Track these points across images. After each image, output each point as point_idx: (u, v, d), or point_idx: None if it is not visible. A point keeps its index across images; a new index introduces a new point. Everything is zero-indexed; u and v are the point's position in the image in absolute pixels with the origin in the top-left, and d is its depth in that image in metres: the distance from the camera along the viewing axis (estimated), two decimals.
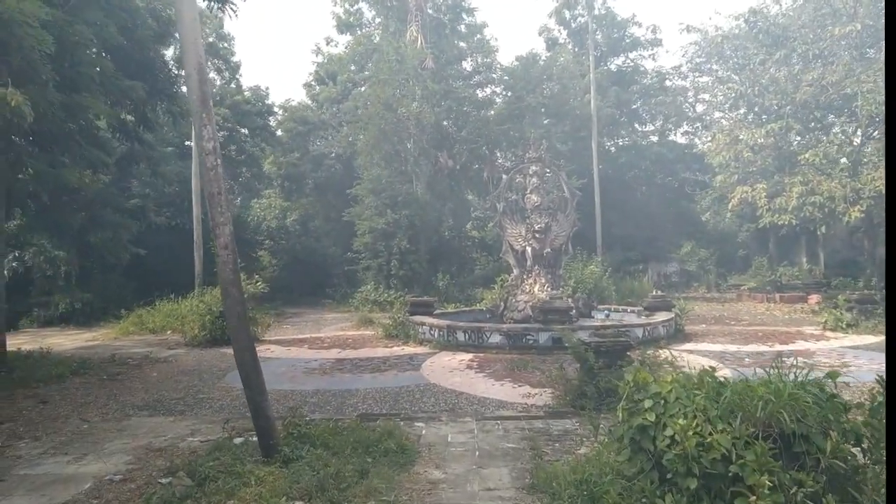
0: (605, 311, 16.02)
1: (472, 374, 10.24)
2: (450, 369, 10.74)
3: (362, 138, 24.26)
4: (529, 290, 14.50)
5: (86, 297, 18.30)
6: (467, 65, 31.24)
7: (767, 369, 4.44)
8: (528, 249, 14.45)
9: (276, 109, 35.03)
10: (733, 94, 18.55)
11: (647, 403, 4.07)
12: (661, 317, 13.29)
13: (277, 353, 13.27)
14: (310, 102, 37.73)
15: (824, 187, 15.66)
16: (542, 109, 24.88)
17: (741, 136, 16.95)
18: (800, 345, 12.70)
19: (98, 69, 7.31)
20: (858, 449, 3.92)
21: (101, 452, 5.63)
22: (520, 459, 5.40)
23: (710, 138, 20.86)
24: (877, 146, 16.01)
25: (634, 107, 35.68)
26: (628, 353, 7.96)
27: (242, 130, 28.89)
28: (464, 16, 30.64)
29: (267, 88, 31.41)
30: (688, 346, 12.79)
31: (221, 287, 4.78)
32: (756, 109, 18.34)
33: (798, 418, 3.80)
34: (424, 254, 24.35)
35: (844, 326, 13.90)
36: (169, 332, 16.68)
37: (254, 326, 15.44)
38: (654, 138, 36.44)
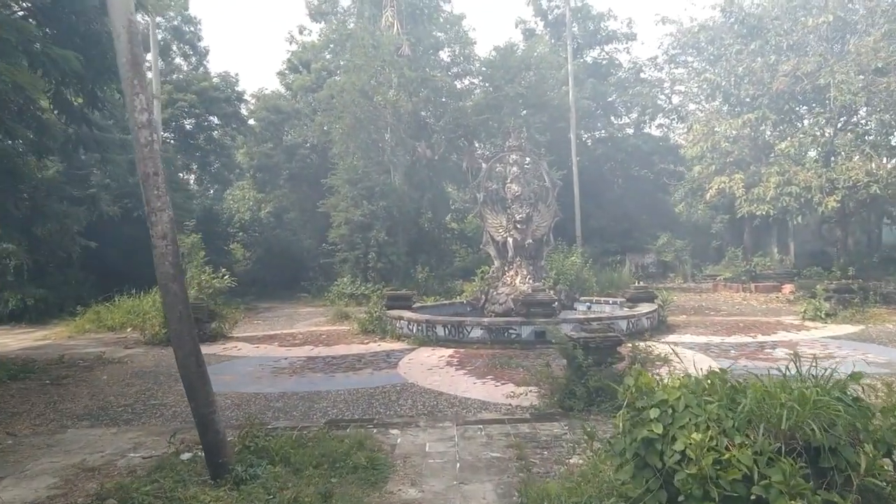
0: (587, 303, 15.61)
1: (452, 372, 9.69)
2: (429, 367, 10.18)
3: (338, 127, 23.48)
4: (511, 283, 14.00)
5: (39, 294, 17.22)
6: (445, 55, 30.57)
7: (783, 368, 3.93)
8: (510, 240, 13.94)
9: (248, 98, 34.01)
10: (709, 85, 18.18)
11: (653, 413, 3.54)
12: (644, 308, 12.90)
13: (245, 352, 12.57)
14: (283, 91, 36.70)
15: (801, 177, 15.42)
16: (520, 100, 24.32)
17: (718, 128, 16.57)
18: (782, 335, 12.41)
19: (18, 32, 6.46)
20: (889, 460, 3.45)
21: (21, 475, 4.89)
22: (506, 472, 4.86)
23: (686, 129, 20.51)
24: (849, 137, 15.83)
25: (610, 99, 35.39)
26: (618, 350, 7.45)
27: (211, 118, 27.84)
28: (441, 3, 29.91)
29: (237, 75, 30.42)
30: (671, 337, 12.41)
31: (159, 283, 4.13)
32: (732, 100, 18.03)
33: (825, 428, 3.31)
34: (403, 246, 23.72)
35: (823, 316, 13.68)
36: (129, 329, 15.80)
37: (220, 322, 14.73)
38: (630, 130, 36.28)
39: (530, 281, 13.93)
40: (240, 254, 34.97)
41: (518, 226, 13.71)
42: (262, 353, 12.32)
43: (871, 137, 14.93)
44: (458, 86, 27.67)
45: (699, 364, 7.75)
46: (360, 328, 14.37)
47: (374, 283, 22.21)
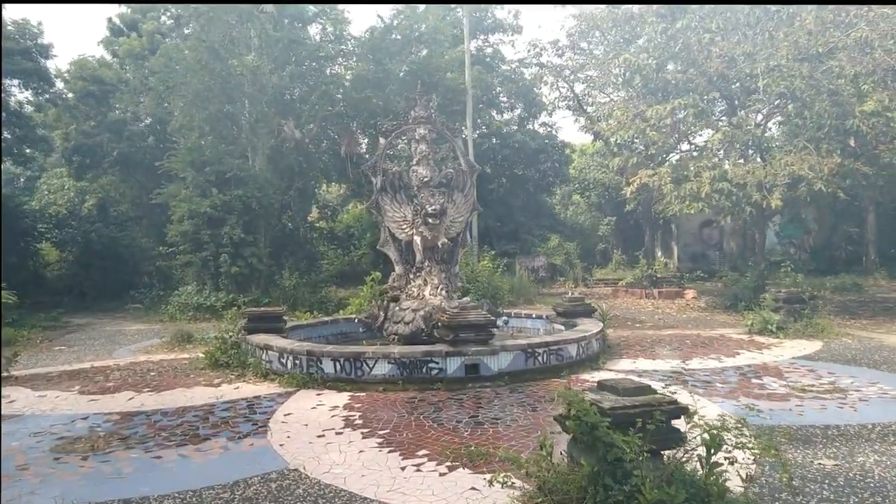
0: (503, 318, 12.71)
1: (358, 441, 6.16)
2: (319, 430, 6.56)
3: (181, 95, 18.51)
4: (419, 294, 10.68)
5: None
6: (314, 31, 26.39)
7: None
8: (418, 239, 10.62)
9: (65, 68, 27.06)
10: (627, 67, 16.32)
11: None
12: (590, 327, 10.25)
13: (21, 405, 8.03)
14: (109, 59, 30.06)
15: (737, 172, 13.85)
16: (409, 78, 21.05)
17: (649, 112, 14.65)
18: (748, 357, 10.44)
19: None
20: None
21: None
22: None
23: (600, 117, 18.63)
24: (783, 128, 14.93)
25: (496, 91, 33.64)
26: (673, 424, 4.37)
27: None
28: None
29: (40, 24, 23.67)
30: (624, 363, 9.90)
31: None
32: (651, 85, 16.29)
33: None
34: (265, 246, 19.36)
35: (774, 330, 12.07)
36: None
37: None
38: (515, 126, 34.75)
39: (443, 292, 10.73)
40: (54, 256, 27.92)
41: (429, 220, 10.40)
42: (47, 408, 7.83)
43: (808, 132, 13.70)
44: (329, 72, 23.57)
45: (705, 411, 5.08)
46: (209, 360, 10.17)
47: (227, 293, 17.68)
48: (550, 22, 66.92)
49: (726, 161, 14.92)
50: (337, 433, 6.46)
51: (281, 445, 6.12)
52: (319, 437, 6.37)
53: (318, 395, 8.15)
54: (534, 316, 12.80)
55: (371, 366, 8.32)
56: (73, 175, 28.32)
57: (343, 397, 7.96)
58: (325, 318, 12.72)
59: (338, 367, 8.43)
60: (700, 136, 17.31)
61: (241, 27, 18.21)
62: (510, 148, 31.69)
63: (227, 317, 11.62)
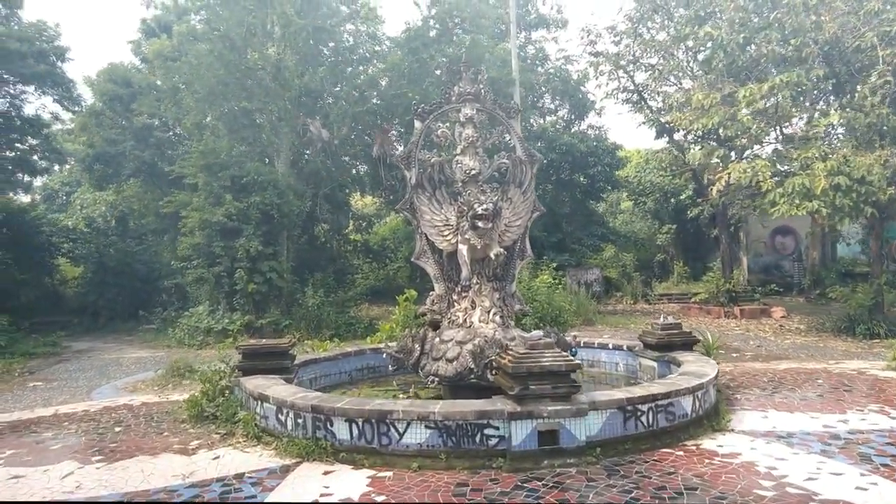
0: (573, 349, 9.93)
1: None
2: None
3: (193, 90, 16.52)
4: (465, 321, 8.13)
5: None
6: (346, 31, 24.34)
7: None
8: (464, 249, 8.05)
9: (92, 76, 25.64)
10: (712, 43, 13.53)
11: None
12: (697, 367, 7.47)
13: None
14: (138, 63, 28.72)
15: (859, 163, 10.89)
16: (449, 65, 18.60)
17: (740, 93, 11.83)
18: None
19: None
20: None
21: None
22: None
23: (669, 107, 15.81)
24: None
25: (541, 91, 31.13)
26: None
27: (8, 78, 19.70)
28: None
29: (57, 26, 22.24)
30: (754, 420, 7.06)
31: None
32: (738, 63, 13.47)
33: None
34: (287, 260, 17.14)
35: None
36: None
37: None
38: (561, 127, 32.08)
39: (497, 318, 8.17)
40: (72, 273, 26.51)
41: (478, 224, 7.81)
42: None
43: None
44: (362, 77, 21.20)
45: None
46: (191, 410, 7.78)
47: (242, 314, 15.49)
48: (604, 7, 63.28)
49: (842, 150, 11.92)
50: None
51: None
52: None
53: (326, 473, 5.65)
54: (610, 346, 10.02)
55: (401, 430, 5.78)
56: (95, 185, 26.84)
57: (361, 479, 5.44)
58: (349, 349, 10.24)
59: (355, 430, 5.92)
60: (800, 120, 14.34)
61: (259, 11, 16.11)
62: (556, 151, 28.90)
63: (222, 347, 9.27)
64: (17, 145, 21.49)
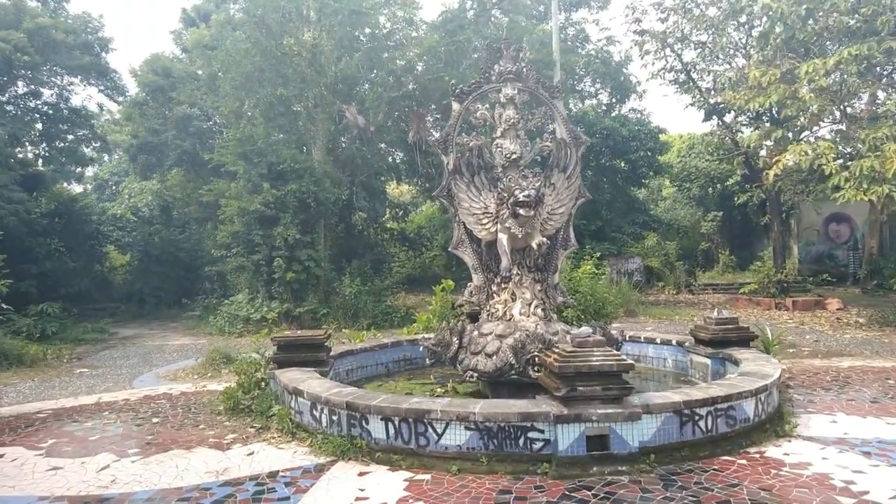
0: (619, 343, 9.45)
1: None
2: None
3: (229, 78, 16.49)
4: (505, 314, 7.76)
5: None
6: (384, 18, 23.99)
7: None
8: (504, 238, 7.66)
9: (137, 69, 26.01)
10: (769, 17, 12.65)
11: None
12: (758, 366, 6.93)
13: None
14: (179, 53, 29.10)
15: None
16: (485, 55, 18.08)
17: (802, 69, 11.00)
18: None
19: None
20: None
21: None
22: None
23: (723, 86, 14.94)
24: None
25: (580, 74, 30.16)
26: None
27: (56, 70, 20.08)
28: None
29: (101, 17, 22.56)
30: (821, 425, 6.50)
31: None
32: (800, 37, 12.55)
33: None
34: (324, 248, 17.05)
35: None
36: None
37: None
38: (602, 111, 31.09)
39: (539, 311, 7.78)
40: (120, 261, 27.16)
41: (520, 211, 7.40)
42: None
43: None
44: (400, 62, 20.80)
45: None
46: (228, 402, 7.68)
47: (281, 302, 15.48)
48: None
49: None
50: None
51: None
52: None
53: (362, 474, 5.41)
54: (658, 341, 9.51)
55: (440, 431, 5.48)
56: (140, 174, 27.39)
57: (397, 482, 5.17)
58: (385, 341, 10.01)
59: (391, 430, 5.65)
60: (859, 99, 13.37)
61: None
62: (596, 136, 27.85)
63: (259, 336, 9.16)
64: (67, 136, 21.93)
